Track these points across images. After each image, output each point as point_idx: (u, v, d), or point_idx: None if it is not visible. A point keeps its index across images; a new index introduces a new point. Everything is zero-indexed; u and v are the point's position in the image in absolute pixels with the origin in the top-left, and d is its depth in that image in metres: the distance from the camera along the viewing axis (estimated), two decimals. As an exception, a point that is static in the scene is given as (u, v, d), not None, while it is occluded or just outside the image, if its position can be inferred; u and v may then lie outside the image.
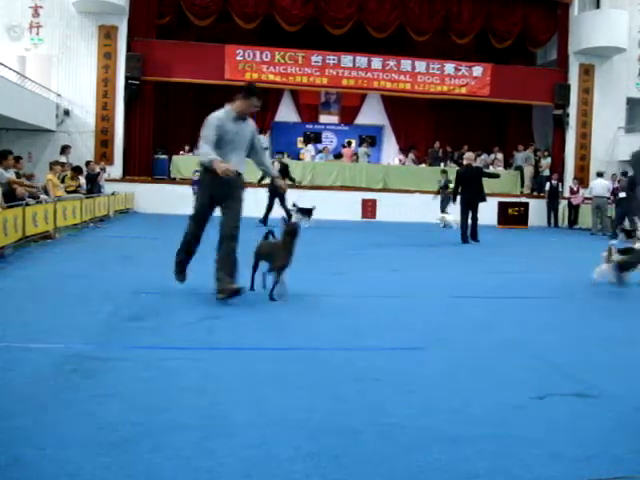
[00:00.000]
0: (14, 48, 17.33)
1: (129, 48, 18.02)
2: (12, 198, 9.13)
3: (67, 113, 17.68)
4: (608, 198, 16.53)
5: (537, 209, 18.65)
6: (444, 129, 22.36)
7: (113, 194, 15.55)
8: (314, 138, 21.16)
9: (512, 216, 17.71)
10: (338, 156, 20.35)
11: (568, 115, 20.41)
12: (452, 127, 22.47)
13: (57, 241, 9.82)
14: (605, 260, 7.10)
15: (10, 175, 9.82)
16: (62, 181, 12.91)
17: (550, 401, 3.17)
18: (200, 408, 2.89)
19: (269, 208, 13.87)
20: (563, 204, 18.91)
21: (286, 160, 16.82)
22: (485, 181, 12.09)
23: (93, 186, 14.48)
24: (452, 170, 16.93)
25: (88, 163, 15.33)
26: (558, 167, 20.26)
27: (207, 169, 5.34)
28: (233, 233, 5.38)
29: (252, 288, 5.72)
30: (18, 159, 11.22)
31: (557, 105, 20.33)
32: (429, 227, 15.62)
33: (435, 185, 17.15)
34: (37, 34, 17.50)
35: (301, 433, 2.65)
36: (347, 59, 19.24)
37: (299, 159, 20.27)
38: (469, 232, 11.90)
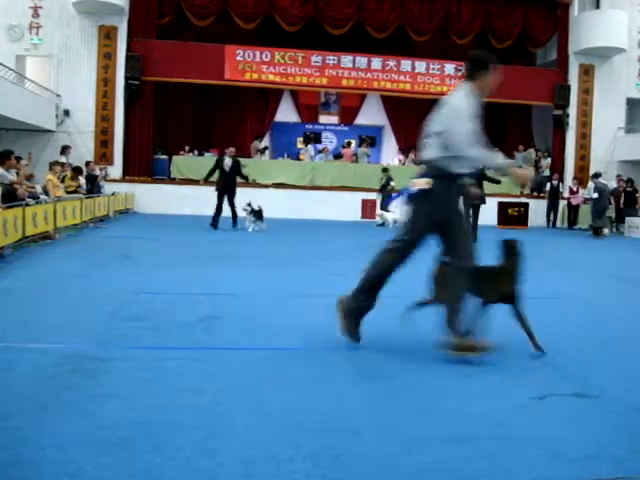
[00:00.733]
0: (14, 48, 17.33)
1: (129, 48, 18.02)
2: (13, 198, 9.13)
3: (67, 113, 17.68)
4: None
5: (537, 209, 18.65)
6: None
7: (113, 194, 15.55)
8: (314, 138, 21.16)
9: (512, 216, 17.71)
10: (338, 156, 20.35)
11: (568, 115, 20.40)
12: (452, 127, 22.47)
13: (57, 241, 9.82)
14: None
15: (12, 177, 9.82)
16: (62, 181, 12.91)
17: (550, 401, 3.17)
18: (200, 408, 2.89)
19: (219, 208, 12.78)
20: (563, 204, 18.90)
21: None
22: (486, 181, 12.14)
23: (93, 186, 14.48)
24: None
25: (88, 163, 15.33)
26: (558, 167, 20.26)
27: (449, 177, 3.90)
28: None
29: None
30: (18, 159, 11.22)
31: (557, 105, 20.33)
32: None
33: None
34: (37, 34, 17.51)
35: (301, 433, 2.65)
36: (347, 59, 19.24)
37: (299, 159, 20.27)
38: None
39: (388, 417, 2.88)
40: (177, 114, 20.64)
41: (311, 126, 22.44)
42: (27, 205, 8.90)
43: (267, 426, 2.71)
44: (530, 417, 2.94)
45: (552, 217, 18.72)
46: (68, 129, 17.68)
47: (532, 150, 20.58)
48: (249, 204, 12.68)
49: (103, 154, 17.92)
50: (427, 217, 3.95)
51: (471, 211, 12.12)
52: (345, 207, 17.92)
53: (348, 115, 22.90)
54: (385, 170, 16.79)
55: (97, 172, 15.56)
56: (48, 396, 2.97)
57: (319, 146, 21.17)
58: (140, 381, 3.23)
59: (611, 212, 17.40)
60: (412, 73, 19.55)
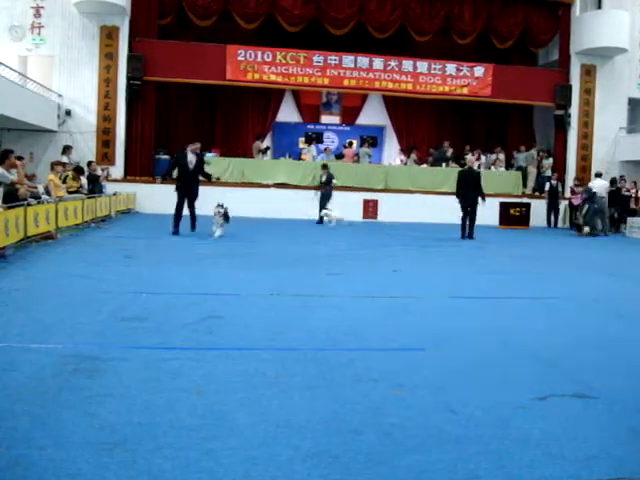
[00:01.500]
0: (16, 48, 17.33)
1: (130, 48, 18.02)
2: (14, 198, 9.14)
3: (69, 113, 17.68)
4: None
5: (539, 210, 18.62)
6: (446, 129, 22.35)
7: (115, 194, 15.56)
8: (315, 138, 21.13)
9: (514, 216, 17.68)
10: (339, 156, 20.34)
11: (569, 115, 20.37)
12: (454, 127, 22.47)
13: (58, 241, 9.83)
14: None
15: (13, 177, 9.83)
16: (64, 181, 12.91)
17: (550, 402, 3.17)
18: (200, 408, 2.90)
19: (179, 210, 11.40)
20: (564, 204, 18.87)
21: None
22: (486, 181, 12.31)
23: (95, 186, 14.49)
24: (454, 170, 16.94)
25: (90, 163, 15.34)
26: (560, 168, 20.24)
27: None
28: None
29: None
30: (20, 159, 11.22)
31: (558, 105, 20.30)
32: (429, 227, 15.61)
33: (431, 185, 17.13)
34: (39, 34, 17.50)
35: (301, 433, 2.65)
36: (348, 59, 19.22)
37: (300, 159, 20.26)
38: (467, 230, 12.75)
39: (388, 417, 2.88)
40: (179, 114, 20.64)
41: (313, 126, 22.41)
42: (29, 205, 8.90)
43: (267, 426, 2.71)
44: (530, 418, 2.94)
45: (553, 217, 18.68)
46: (70, 129, 17.69)
47: (534, 150, 20.55)
48: (221, 205, 10.95)
49: (105, 154, 17.92)
50: None
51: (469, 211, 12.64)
52: (346, 207, 17.88)
53: (350, 115, 22.88)
54: (325, 167, 15.97)
55: (99, 172, 15.57)
56: (48, 396, 2.97)
57: (321, 146, 21.16)
58: (141, 381, 3.24)
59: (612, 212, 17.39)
60: (414, 73, 19.53)
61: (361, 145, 20.83)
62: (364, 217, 18.20)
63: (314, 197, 15.61)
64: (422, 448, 2.55)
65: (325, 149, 20.59)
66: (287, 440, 2.58)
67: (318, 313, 5.15)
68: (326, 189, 15.45)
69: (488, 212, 17.34)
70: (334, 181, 15.64)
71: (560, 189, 18.86)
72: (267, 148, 20.29)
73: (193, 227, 11.53)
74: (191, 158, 11.30)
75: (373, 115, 22.74)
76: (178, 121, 20.58)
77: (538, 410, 3.05)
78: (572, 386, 3.44)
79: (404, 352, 4.04)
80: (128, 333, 4.24)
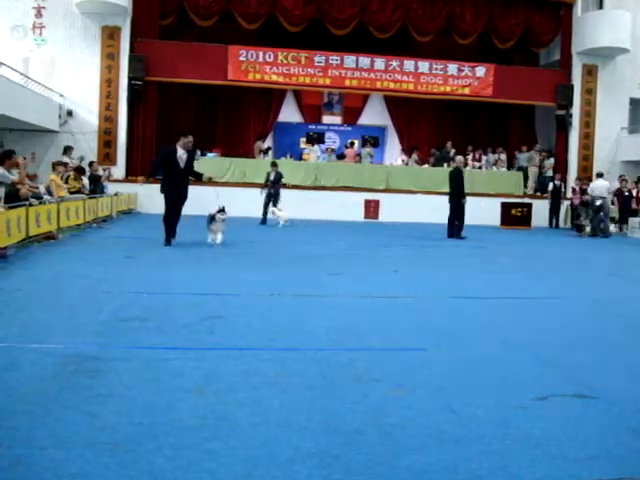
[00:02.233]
0: (17, 49, 17.36)
1: (132, 49, 18.05)
2: (16, 198, 9.15)
3: (70, 114, 17.70)
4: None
5: (540, 210, 18.61)
6: (447, 130, 22.34)
7: (116, 195, 15.58)
8: (317, 139, 21.14)
9: (515, 217, 17.67)
10: (341, 157, 20.35)
11: (571, 116, 20.37)
12: (455, 127, 22.46)
13: (60, 241, 9.84)
14: None
15: (14, 177, 9.85)
16: (65, 182, 12.93)
17: (551, 402, 3.17)
18: (201, 408, 2.90)
19: (171, 216, 9.64)
20: (565, 205, 18.86)
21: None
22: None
23: (96, 187, 14.50)
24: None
25: (91, 164, 15.36)
26: (561, 168, 20.23)
27: None
28: None
29: None
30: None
31: (560, 106, 20.30)
32: (429, 228, 15.60)
33: (433, 185, 17.11)
34: (40, 35, 17.53)
35: (302, 433, 2.66)
36: (350, 59, 19.24)
37: (302, 159, 20.28)
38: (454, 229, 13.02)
39: (389, 417, 2.88)
40: (180, 114, 20.65)
41: (314, 126, 22.42)
42: (30, 205, 8.92)
43: (268, 426, 2.72)
44: (531, 418, 2.94)
45: (554, 217, 18.67)
46: (71, 129, 17.72)
47: (535, 150, 20.55)
48: (223, 209, 9.60)
49: (106, 154, 17.95)
50: None
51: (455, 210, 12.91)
52: (348, 207, 17.92)
53: (351, 115, 22.90)
54: (274, 165, 15.14)
55: (100, 172, 15.58)
56: (49, 396, 2.97)
57: (323, 146, 21.17)
58: (141, 381, 3.24)
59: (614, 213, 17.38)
60: (415, 73, 19.54)
61: (363, 145, 20.83)
62: (365, 217, 18.21)
63: (260, 195, 14.60)
64: (422, 448, 2.55)
65: (327, 149, 20.61)
66: (288, 440, 2.58)
67: (319, 313, 5.15)
68: (275, 188, 14.52)
69: (489, 212, 17.42)
70: (283, 180, 14.89)
71: (563, 189, 18.85)
72: (268, 148, 20.30)
73: (173, 235, 9.59)
74: (181, 154, 9.51)
75: (374, 115, 22.75)
76: (179, 121, 20.57)
77: (538, 410, 3.05)
78: (572, 386, 3.44)
79: (404, 352, 4.04)
80: (129, 333, 4.24)
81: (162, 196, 9.65)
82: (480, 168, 20.00)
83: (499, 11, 20.06)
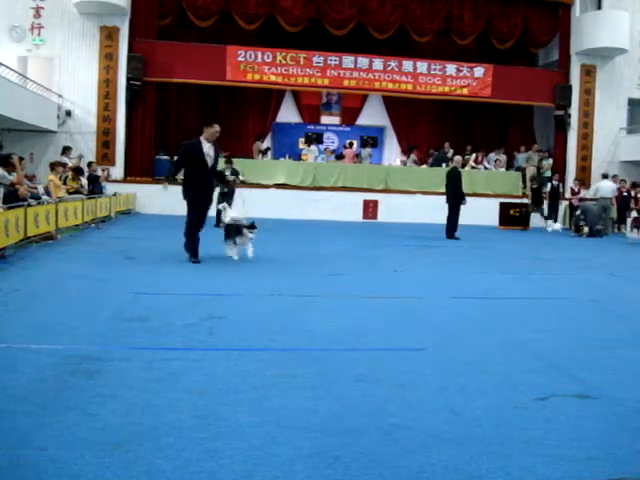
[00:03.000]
0: (16, 49, 17.34)
1: (130, 49, 18.02)
2: (14, 199, 9.14)
3: (69, 114, 17.68)
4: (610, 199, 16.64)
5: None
6: (445, 130, 22.35)
7: (114, 195, 15.56)
8: (316, 139, 21.13)
9: (513, 217, 17.66)
10: (340, 157, 20.36)
11: (570, 116, 20.38)
12: (453, 128, 22.46)
13: (58, 242, 9.83)
14: None
15: (13, 177, 9.83)
16: (64, 182, 12.91)
17: (551, 402, 3.17)
18: (201, 409, 2.90)
19: (197, 225, 8.00)
20: (564, 205, 18.86)
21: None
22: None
23: (95, 187, 14.49)
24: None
25: (90, 164, 15.34)
26: (560, 168, 20.24)
27: None
28: None
29: None
30: (21, 159, 11.21)
31: (558, 106, 20.30)
32: (428, 228, 15.60)
33: (431, 185, 17.07)
34: (38, 35, 17.50)
35: (302, 434, 2.66)
36: (348, 60, 19.23)
37: (300, 160, 20.27)
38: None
39: (389, 418, 2.88)
40: (179, 115, 20.62)
41: (313, 127, 22.41)
42: (29, 205, 8.91)
43: (268, 427, 2.72)
44: (531, 418, 2.94)
45: (553, 217, 18.66)
46: (70, 130, 17.69)
47: (534, 151, 20.55)
48: (253, 225, 8.28)
49: (105, 155, 17.92)
50: None
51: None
52: (346, 208, 17.91)
53: (350, 116, 22.89)
54: (229, 161, 14.11)
55: (99, 173, 15.57)
56: (49, 397, 2.97)
57: (322, 146, 21.17)
58: (142, 382, 3.24)
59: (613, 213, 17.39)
60: (414, 73, 19.54)
61: (363, 146, 20.82)
62: (364, 218, 18.20)
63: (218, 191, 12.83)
64: (423, 448, 2.55)
65: (325, 149, 20.61)
66: (288, 440, 2.58)
67: (319, 313, 5.15)
68: (228, 186, 12.90)
69: (488, 213, 17.42)
70: (240, 177, 13.62)
71: (561, 190, 18.85)
72: (267, 149, 20.28)
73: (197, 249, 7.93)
74: (207, 149, 7.93)
75: (373, 115, 22.75)
76: (178, 122, 20.56)
77: (539, 410, 3.05)
78: (572, 386, 3.44)
79: (405, 352, 4.05)
80: (129, 334, 4.24)
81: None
82: (485, 168, 19.94)
83: (498, 12, 20.07)
